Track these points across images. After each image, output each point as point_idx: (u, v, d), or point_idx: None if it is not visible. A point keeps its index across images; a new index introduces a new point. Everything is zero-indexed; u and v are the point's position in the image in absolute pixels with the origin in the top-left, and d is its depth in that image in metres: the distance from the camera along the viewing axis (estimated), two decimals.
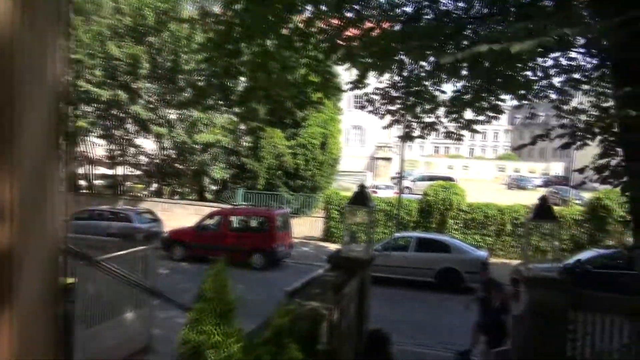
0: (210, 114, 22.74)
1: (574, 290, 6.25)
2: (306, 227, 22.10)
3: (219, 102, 9.23)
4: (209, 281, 3.00)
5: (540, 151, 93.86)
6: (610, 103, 7.20)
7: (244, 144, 25.12)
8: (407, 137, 10.22)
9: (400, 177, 21.25)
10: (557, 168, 67.90)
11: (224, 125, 23.94)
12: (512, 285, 13.59)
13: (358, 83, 7.96)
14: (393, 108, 9.32)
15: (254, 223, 17.01)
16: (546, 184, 52.45)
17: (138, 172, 25.93)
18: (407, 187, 42.61)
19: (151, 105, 22.06)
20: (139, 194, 25.63)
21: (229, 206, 20.44)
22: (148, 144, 24.86)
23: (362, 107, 9.43)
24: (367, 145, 49.77)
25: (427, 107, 9.22)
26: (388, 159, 47.84)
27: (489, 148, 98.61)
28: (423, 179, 43.17)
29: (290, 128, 25.52)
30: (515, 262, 16.19)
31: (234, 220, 17.01)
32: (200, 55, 9.07)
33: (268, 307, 7.32)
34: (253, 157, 24.55)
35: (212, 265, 3.24)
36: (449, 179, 31.00)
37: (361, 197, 7.24)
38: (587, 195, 21.75)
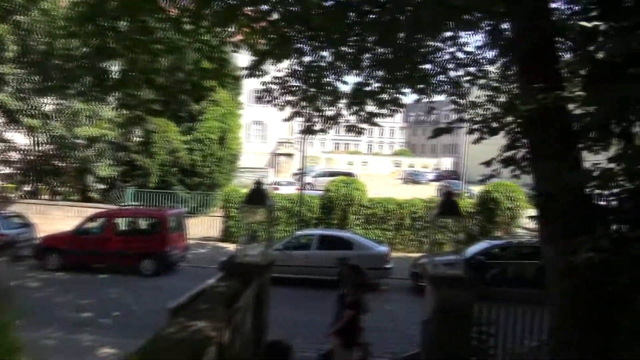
0: (95, 105, 20.57)
1: (479, 287, 6.11)
2: (204, 227, 20.86)
3: (94, 88, 7.96)
4: None
5: (432, 147, 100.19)
6: (503, 99, 7.19)
7: (135, 138, 23.11)
8: (308, 130, 9.81)
9: (301, 173, 20.81)
10: (447, 163, 72.44)
11: (112, 118, 21.84)
12: (411, 279, 13.73)
13: (254, 70, 7.27)
14: (293, 99, 8.79)
15: (143, 225, 15.54)
16: (438, 178, 55.53)
17: (8, 171, 22.75)
18: (309, 183, 42.63)
19: (22, 94, 19.30)
20: (10, 196, 22.50)
21: (115, 207, 18.58)
22: (20, 139, 21.88)
23: (260, 98, 8.73)
24: (269, 142, 49.03)
25: (328, 99, 8.82)
26: (289, 155, 47.57)
27: (385, 144, 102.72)
28: (324, 174, 43.53)
29: (185, 122, 24.02)
30: (414, 255, 16.52)
31: (121, 222, 15.41)
32: (67, 31, 7.77)
33: (157, 319, 6.39)
34: (144, 153, 22.70)
35: None
36: (349, 174, 31.29)
37: (258, 195, 6.56)
38: (476, 189, 23.01)
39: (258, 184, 6.58)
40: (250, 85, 43.67)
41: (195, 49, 7.20)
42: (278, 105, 9.02)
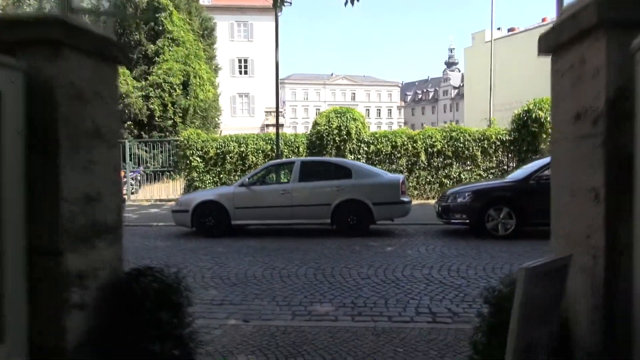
0: None
1: None
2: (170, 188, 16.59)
3: None
4: None
5: (432, 125, 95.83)
6: None
7: None
8: None
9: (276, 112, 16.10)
10: None
11: None
12: (441, 218, 9.28)
13: None
14: None
15: None
16: None
17: None
18: None
19: None
20: None
21: None
22: None
23: None
24: (257, 115, 44.57)
25: None
26: (280, 126, 43.09)
27: (384, 125, 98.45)
28: None
29: (139, 65, 19.49)
30: (433, 202, 12.02)
31: None
32: None
33: None
34: None
35: None
36: None
37: None
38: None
39: None
40: (231, 55, 39.36)
41: None
42: None
